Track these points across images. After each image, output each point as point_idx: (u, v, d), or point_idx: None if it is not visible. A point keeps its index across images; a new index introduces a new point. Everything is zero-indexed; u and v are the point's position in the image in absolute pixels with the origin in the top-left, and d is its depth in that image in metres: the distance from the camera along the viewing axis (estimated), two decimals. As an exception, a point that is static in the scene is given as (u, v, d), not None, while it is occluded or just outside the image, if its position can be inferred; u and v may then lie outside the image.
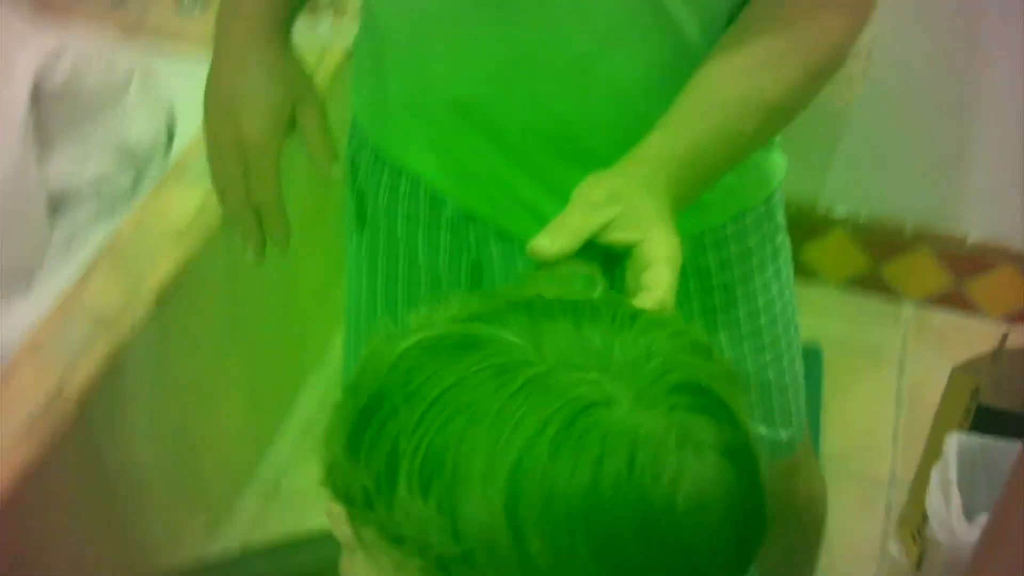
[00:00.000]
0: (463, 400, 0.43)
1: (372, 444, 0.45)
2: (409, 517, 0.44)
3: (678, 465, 0.42)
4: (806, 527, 1.15)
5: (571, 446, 0.42)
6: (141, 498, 1.28)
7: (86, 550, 1.19)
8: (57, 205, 1.34)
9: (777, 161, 0.86)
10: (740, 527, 0.45)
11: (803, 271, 1.25)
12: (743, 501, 0.45)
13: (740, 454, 0.45)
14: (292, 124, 0.80)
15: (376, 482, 0.45)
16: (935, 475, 1.28)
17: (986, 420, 1.37)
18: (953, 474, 1.25)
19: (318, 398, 1.65)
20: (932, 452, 1.38)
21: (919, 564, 1.42)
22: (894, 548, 1.50)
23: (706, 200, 0.70)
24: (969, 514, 1.22)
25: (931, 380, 1.54)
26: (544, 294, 0.49)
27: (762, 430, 0.91)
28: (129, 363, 1.14)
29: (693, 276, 0.84)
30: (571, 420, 0.42)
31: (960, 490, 1.23)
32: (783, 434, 0.97)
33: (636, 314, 0.48)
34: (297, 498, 1.53)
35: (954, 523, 1.21)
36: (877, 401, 1.72)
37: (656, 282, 0.57)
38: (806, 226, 1.79)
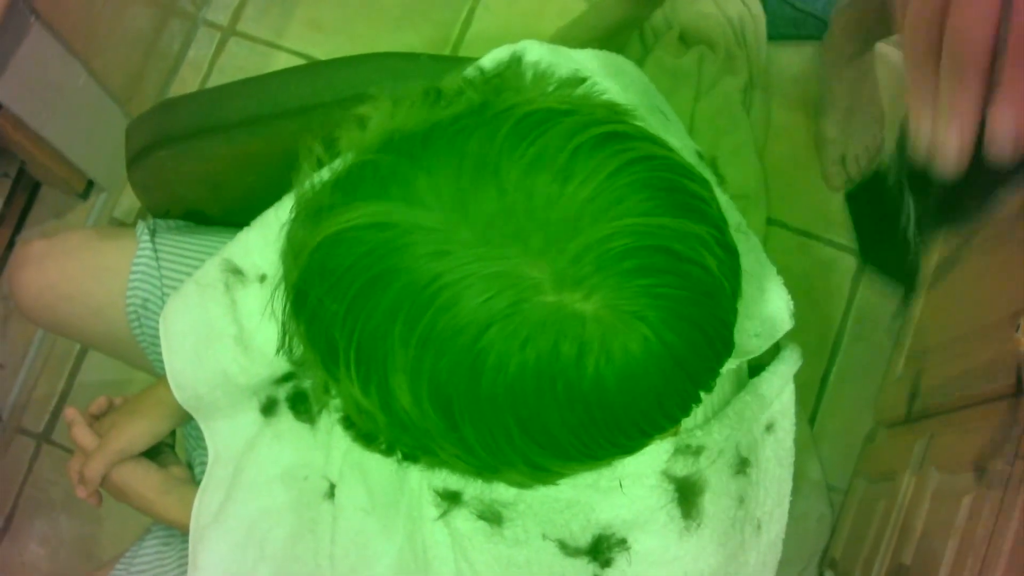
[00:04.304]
0: (383, 298, 0.42)
1: (310, 325, 0.45)
2: (356, 402, 0.45)
3: (601, 343, 0.42)
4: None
5: (493, 337, 0.41)
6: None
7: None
8: None
9: None
10: (677, 382, 0.44)
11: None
12: (680, 357, 0.43)
13: (682, 308, 0.43)
14: None
15: (322, 359, 0.45)
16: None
17: None
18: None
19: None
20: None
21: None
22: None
23: None
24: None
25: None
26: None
27: None
28: None
29: None
30: (491, 312, 0.41)
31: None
32: None
33: (582, 149, 0.43)
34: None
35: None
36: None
37: None
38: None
